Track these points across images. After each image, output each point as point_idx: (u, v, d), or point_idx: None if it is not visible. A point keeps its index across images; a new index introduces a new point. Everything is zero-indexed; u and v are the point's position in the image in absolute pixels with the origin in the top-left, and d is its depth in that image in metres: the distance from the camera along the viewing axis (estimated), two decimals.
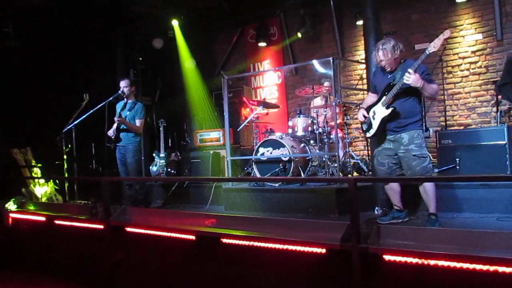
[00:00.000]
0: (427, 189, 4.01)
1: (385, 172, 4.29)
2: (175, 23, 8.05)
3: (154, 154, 7.81)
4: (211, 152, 7.03)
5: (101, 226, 3.47)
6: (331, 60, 5.40)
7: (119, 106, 6.03)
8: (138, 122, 5.93)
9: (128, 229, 3.33)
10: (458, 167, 4.91)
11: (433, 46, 3.78)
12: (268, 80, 8.74)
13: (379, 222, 4.39)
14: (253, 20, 8.62)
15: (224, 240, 2.75)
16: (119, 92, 5.91)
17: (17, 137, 7.00)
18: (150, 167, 7.80)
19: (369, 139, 4.32)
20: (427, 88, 3.89)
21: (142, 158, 6.60)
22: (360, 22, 7.25)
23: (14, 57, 6.69)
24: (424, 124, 4.19)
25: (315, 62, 6.05)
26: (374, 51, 4.19)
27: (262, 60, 8.77)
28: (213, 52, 9.36)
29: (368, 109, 4.32)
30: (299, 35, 7.74)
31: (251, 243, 2.64)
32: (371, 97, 4.41)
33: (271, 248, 2.56)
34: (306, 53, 8.05)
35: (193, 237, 2.95)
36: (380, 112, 4.14)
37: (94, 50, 7.88)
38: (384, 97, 4.10)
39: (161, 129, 7.86)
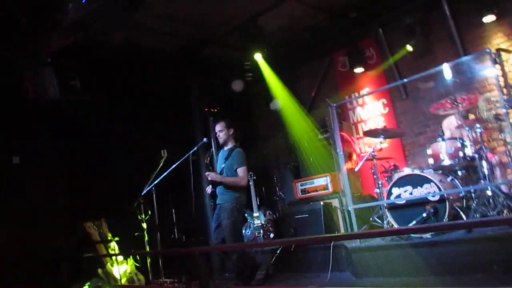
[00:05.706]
0: None
1: None
2: (258, 56, 6.72)
3: (246, 215, 6.51)
4: (321, 203, 5.58)
5: None
6: (489, 53, 3.92)
7: (220, 155, 5.28)
8: (240, 172, 4.96)
9: None
10: None
11: None
12: (371, 112, 7.20)
13: None
14: (341, 45, 7.35)
15: None
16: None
17: (88, 207, 5.93)
18: (243, 231, 6.50)
19: None
20: None
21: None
22: (487, 19, 5.77)
23: (81, 114, 5.80)
24: None
25: (445, 67, 4.49)
26: None
27: (359, 89, 7.32)
28: (297, 89, 8.06)
29: None
30: (409, 47, 6.25)
31: None
32: None
33: None
34: (416, 70, 6.40)
35: None
36: None
37: (166, 102, 7.02)
38: None
39: (251, 183, 6.67)
